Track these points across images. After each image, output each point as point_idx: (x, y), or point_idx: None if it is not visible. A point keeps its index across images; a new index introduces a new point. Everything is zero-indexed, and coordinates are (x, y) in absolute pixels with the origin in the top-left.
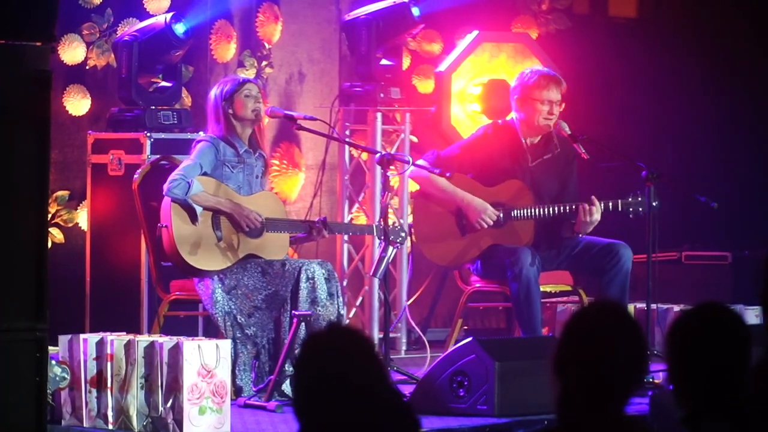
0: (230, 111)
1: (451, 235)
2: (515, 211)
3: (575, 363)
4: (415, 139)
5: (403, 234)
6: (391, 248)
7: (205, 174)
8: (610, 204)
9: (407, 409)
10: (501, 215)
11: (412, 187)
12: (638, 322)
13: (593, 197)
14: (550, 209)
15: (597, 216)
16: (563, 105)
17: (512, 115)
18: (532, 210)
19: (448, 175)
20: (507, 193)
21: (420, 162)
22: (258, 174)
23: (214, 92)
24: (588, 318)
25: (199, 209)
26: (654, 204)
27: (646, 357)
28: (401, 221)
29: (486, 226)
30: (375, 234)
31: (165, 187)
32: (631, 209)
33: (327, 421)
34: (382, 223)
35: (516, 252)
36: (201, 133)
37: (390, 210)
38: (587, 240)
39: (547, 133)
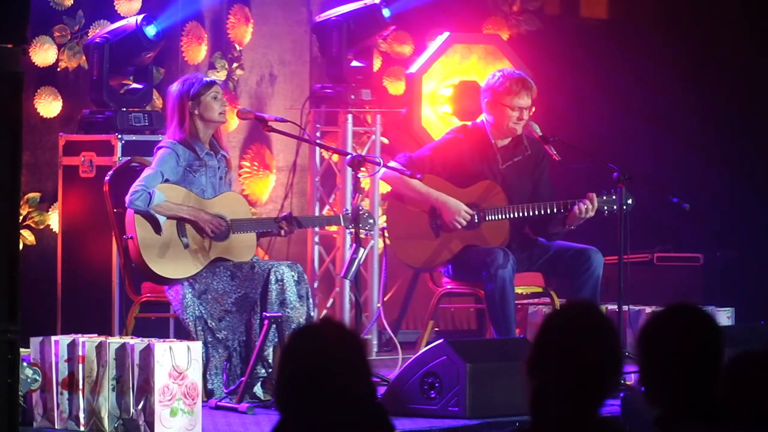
0: (196, 112)
1: (424, 237)
2: (490, 213)
3: (551, 364)
4: (386, 141)
5: (371, 221)
6: (362, 250)
7: (167, 181)
8: None
9: (383, 411)
10: (475, 216)
11: (384, 188)
12: (613, 323)
13: (591, 194)
14: (538, 209)
15: (592, 213)
16: (533, 109)
17: (482, 118)
18: (507, 210)
19: (419, 176)
20: (480, 193)
21: (392, 164)
22: (221, 175)
23: (176, 89)
24: (564, 319)
25: (162, 219)
26: (629, 202)
27: (621, 358)
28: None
29: (460, 226)
30: (343, 223)
31: (126, 199)
32: (605, 207)
33: (310, 408)
34: (349, 210)
35: (492, 252)
36: (161, 137)
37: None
38: (559, 244)
39: (516, 135)
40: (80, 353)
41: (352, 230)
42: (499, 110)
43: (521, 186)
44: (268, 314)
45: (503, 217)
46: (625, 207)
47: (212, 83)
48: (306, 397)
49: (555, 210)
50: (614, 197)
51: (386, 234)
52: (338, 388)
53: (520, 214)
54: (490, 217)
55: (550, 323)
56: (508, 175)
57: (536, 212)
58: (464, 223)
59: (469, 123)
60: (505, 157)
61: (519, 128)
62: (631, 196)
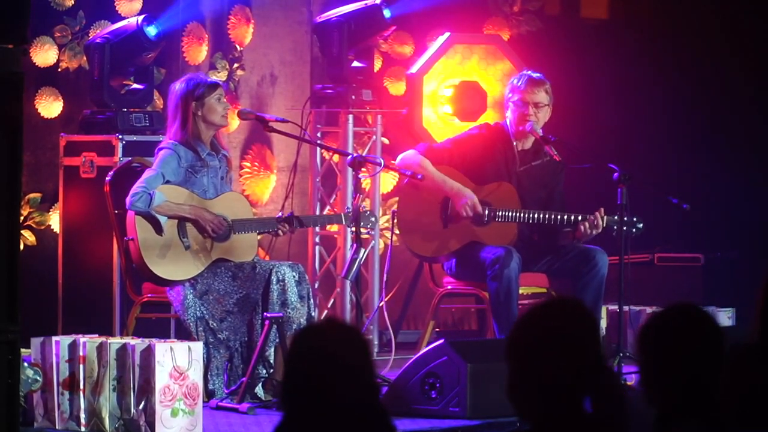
0: (199, 113)
1: (432, 226)
2: (501, 213)
3: (531, 359)
4: (386, 141)
5: (373, 219)
6: (362, 250)
7: (168, 183)
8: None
9: (384, 412)
10: (486, 211)
11: (384, 189)
12: (595, 322)
13: (602, 209)
14: (548, 217)
15: (599, 230)
16: (547, 109)
17: (506, 119)
18: (518, 213)
19: (419, 177)
20: (494, 192)
21: (409, 152)
22: (222, 175)
23: (180, 89)
24: (540, 316)
25: (163, 219)
26: (639, 226)
27: (600, 350)
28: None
29: (468, 215)
30: (344, 222)
31: (127, 200)
32: (615, 227)
33: (313, 408)
34: (351, 208)
35: (498, 251)
36: (162, 137)
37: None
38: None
39: (538, 139)
40: (81, 353)
41: (353, 229)
42: (513, 107)
43: (535, 191)
44: (269, 315)
45: (513, 219)
46: (634, 231)
47: (216, 85)
48: (309, 397)
49: (565, 221)
50: (625, 219)
51: (394, 216)
52: (341, 388)
53: (530, 220)
54: (500, 217)
55: (525, 321)
56: (524, 179)
57: (546, 220)
58: (471, 213)
59: (492, 122)
60: (524, 160)
61: (526, 125)
62: (641, 221)
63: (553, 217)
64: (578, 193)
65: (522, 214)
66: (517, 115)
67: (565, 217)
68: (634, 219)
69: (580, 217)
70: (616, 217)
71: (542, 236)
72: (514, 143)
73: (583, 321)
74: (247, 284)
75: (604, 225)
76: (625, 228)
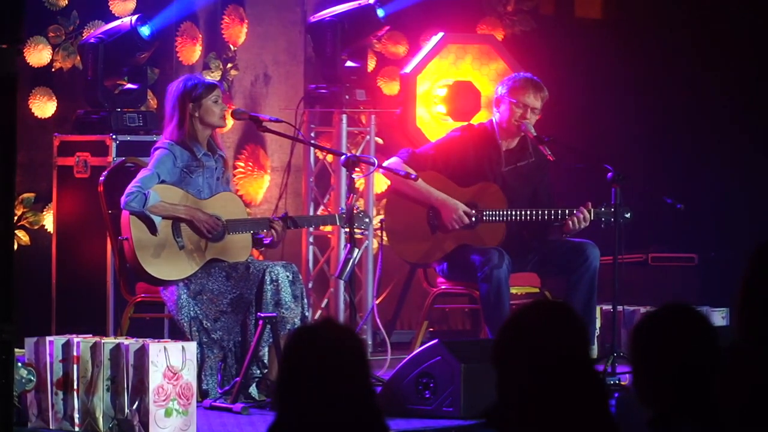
0: (196, 114)
1: (421, 233)
2: (488, 213)
3: (515, 361)
4: (380, 141)
5: (366, 220)
6: (356, 250)
7: (163, 182)
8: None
9: (378, 412)
10: (473, 216)
11: (378, 188)
12: (584, 324)
13: (589, 203)
14: (535, 214)
15: (586, 223)
16: (539, 114)
17: (491, 118)
18: (505, 213)
19: (413, 177)
20: (479, 193)
21: (393, 159)
22: (218, 176)
23: (178, 89)
24: (526, 318)
25: (157, 219)
26: (626, 216)
27: (588, 349)
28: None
29: (458, 226)
30: (338, 223)
31: (122, 200)
32: (603, 219)
33: (307, 408)
34: (344, 208)
35: (487, 252)
36: (157, 137)
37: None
38: (555, 241)
39: (523, 139)
40: (75, 353)
41: (347, 229)
42: (507, 106)
43: (521, 191)
44: (262, 314)
45: (501, 219)
46: (622, 221)
47: (214, 86)
48: (303, 397)
49: (553, 217)
50: (612, 209)
51: (383, 226)
52: (336, 388)
53: (518, 218)
54: (487, 218)
55: (512, 324)
56: (509, 179)
57: (534, 217)
58: (462, 223)
59: (475, 123)
60: (509, 160)
61: (519, 126)
62: (629, 210)
63: (540, 213)
64: (572, 193)
65: (509, 213)
66: (512, 115)
67: (552, 212)
68: (621, 209)
69: (567, 212)
70: (602, 209)
71: (532, 233)
72: (500, 143)
73: (570, 320)
74: (240, 284)
75: (592, 218)
76: (612, 219)
